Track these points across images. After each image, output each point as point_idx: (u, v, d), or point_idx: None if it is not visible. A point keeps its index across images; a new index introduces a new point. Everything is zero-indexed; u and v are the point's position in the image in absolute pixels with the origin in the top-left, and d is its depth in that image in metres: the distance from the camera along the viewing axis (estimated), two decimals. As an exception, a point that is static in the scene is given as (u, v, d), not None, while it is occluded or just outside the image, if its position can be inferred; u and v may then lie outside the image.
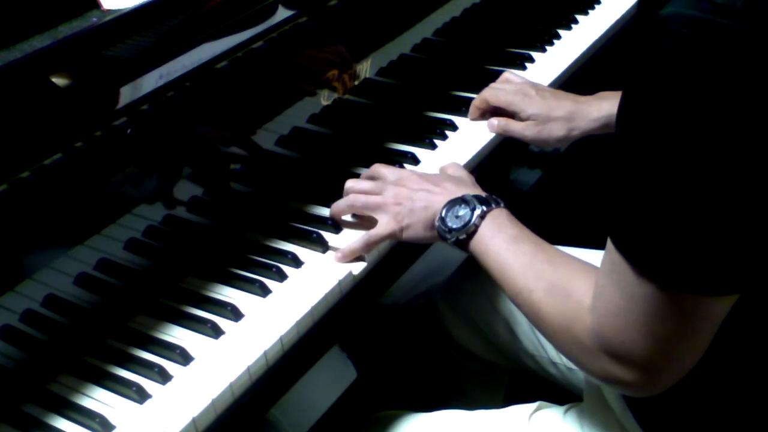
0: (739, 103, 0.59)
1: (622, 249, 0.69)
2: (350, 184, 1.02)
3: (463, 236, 0.91)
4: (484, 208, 0.90)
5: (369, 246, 0.97)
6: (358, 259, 0.98)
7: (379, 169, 1.04)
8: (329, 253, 1.00)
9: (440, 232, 0.93)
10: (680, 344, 0.70)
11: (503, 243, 0.87)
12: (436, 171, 1.12)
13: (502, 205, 0.92)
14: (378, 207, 0.98)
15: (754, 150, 0.60)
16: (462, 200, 0.93)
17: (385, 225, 0.97)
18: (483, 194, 0.94)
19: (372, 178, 1.04)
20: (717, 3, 0.59)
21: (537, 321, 0.83)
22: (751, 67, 0.58)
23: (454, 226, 0.91)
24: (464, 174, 1.04)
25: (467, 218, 0.90)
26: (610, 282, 0.71)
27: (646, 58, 0.62)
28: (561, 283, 0.80)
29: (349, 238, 1.00)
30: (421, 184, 0.98)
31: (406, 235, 0.97)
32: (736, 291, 0.68)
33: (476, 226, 0.90)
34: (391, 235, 0.97)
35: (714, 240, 0.63)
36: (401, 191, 0.98)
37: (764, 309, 0.76)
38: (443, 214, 0.93)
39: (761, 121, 0.59)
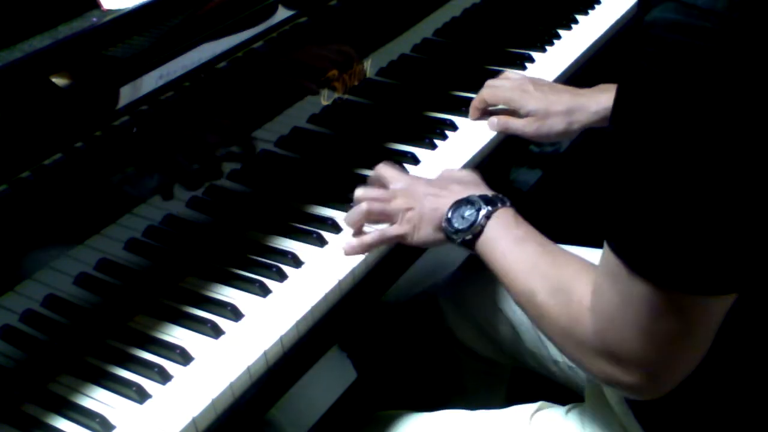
0: (723, 103, 0.59)
1: (617, 249, 0.68)
2: (360, 192, 1.03)
3: (469, 237, 0.91)
4: (489, 209, 0.91)
5: (379, 243, 0.99)
6: (358, 259, 0.98)
7: (385, 171, 1.04)
8: (330, 252, 1.00)
9: (447, 233, 0.94)
10: (679, 345, 0.70)
11: (508, 244, 0.88)
12: (436, 171, 1.12)
13: (508, 204, 0.93)
14: (392, 215, 0.99)
15: (741, 148, 0.60)
16: (467, 201, 0.93)
17: (397, 227, 0.98)
18: (489, 194, 0.94)
19: (378, 179, 1.04)
20: (699, 7, 0.59)
21: (540, 322, 0.83)
22: (733, 69, 0.58)
23: (460, 227, 0.92)
24: (471, 175, 1.04)
25: (472, 219, 0.91)
26: (607, 282, 0.71)
27: (633, 62, 0.63)
28: (563, 285, 0.80)
29: (349, 239, 1.00)
30: (429, 189, 0.99)
31: (417, 237, 0.98)
32: (732, 290, 0.67)
33: (482, 227, 0.90)
34: (402, 237, 0.99)
35: (708, 238, 0.63)
36: (411, 197, 0.99)
37: (763, 308, 0.76)
38: (449, 215, 0.94)
39: (747, 120, 0.59)
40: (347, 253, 0.99)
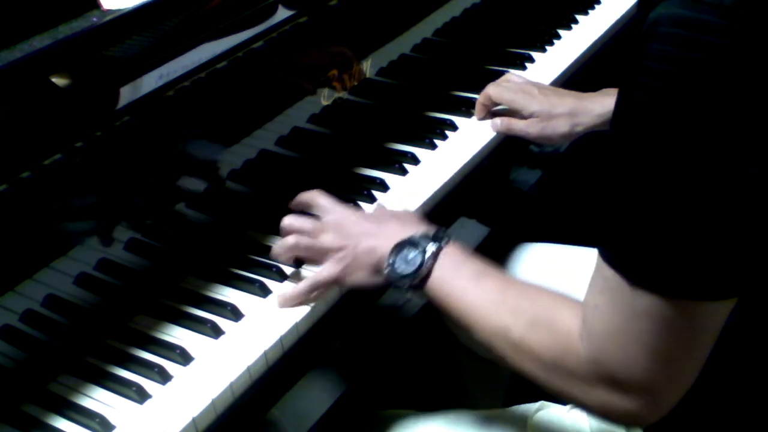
0: (730, 102, 0.59)
1: (616, 264, 0.66)
2: (288, 221, 0.95)
3: (417, 281, 0.85)
4: (436, 247, 0.85)
5: (313, 289, 0.92)
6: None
7: (318, 199, 0.98)
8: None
9: (391, 279, 0.87)
10: (684, 358, 0.68)
11: (465, 282, 0.83)
12: (436, 171, 1.13)
13: (452, 238, 0.87)
14: (321, 252, 0.93)
15: (746, 149, 0.60)
16: (410, 242, 0.87)
17: (329, 269, 0.91)
18: (431, 232, 0.88)
19: (308, 204, 0.99)
20: (706, 2, 0.58)
21: (518, 360, 0.77)
22: (740, 65, 0.58)
23: (406, 272, 0.85)
24: (408, 213, 0.98)
25: (419, 261, 0.85)
26: (604, 301, 0.68)
27: (638, 60, 0.62)
28: (542, 316, 0.76)
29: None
30: (363, 226, 0.93)
31: (351, 281, 0.91)
32: (736, 293, 0.66)
33: (429, 269, 0.85)
34: (335, 281, 0.92)
35: (713, 241, 0.63)
36: (342, 233, 0.92)
37: (764, 310, 0.75)
38: (392, 261, 0.87)
39: (753, 120, 0.59)
40: (281, 306, 0.91)
